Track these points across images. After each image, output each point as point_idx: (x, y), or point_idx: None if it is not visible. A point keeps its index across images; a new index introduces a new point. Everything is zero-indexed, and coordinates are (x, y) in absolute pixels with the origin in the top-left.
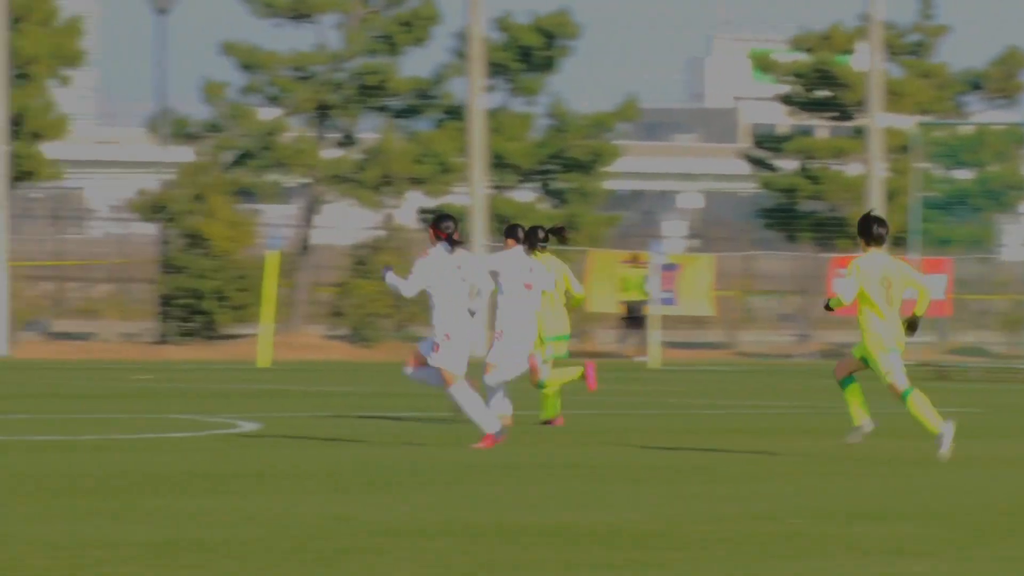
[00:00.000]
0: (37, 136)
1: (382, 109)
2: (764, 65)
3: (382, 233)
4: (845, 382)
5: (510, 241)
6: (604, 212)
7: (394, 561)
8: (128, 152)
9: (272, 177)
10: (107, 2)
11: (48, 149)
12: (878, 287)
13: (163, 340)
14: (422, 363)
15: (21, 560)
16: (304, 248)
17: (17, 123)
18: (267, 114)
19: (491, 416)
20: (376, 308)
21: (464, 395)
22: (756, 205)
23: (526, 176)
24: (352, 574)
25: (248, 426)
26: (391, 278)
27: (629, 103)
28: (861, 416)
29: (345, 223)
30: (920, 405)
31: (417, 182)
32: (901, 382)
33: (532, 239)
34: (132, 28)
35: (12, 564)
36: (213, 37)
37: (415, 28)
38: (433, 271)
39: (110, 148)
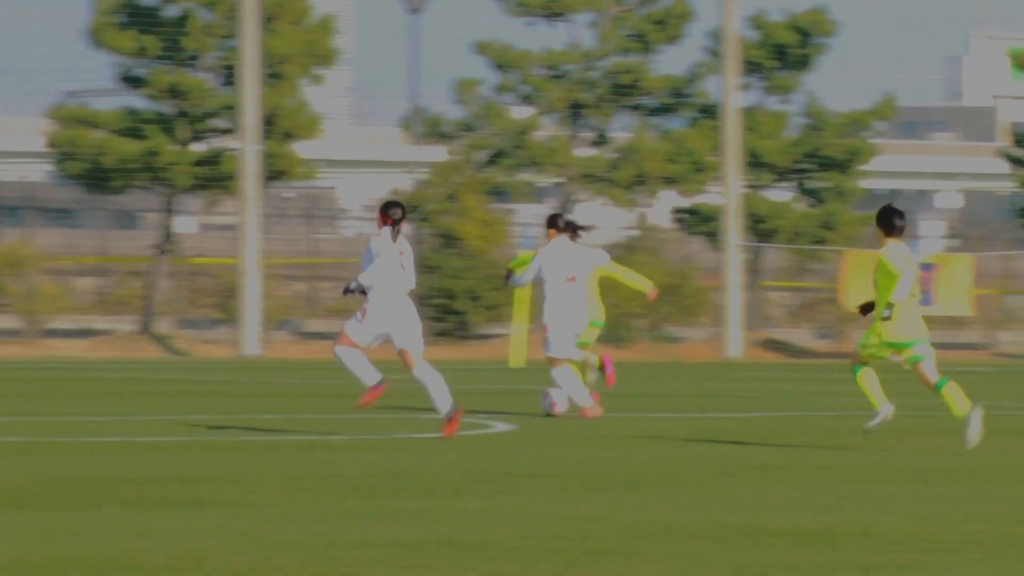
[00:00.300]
0: (290, 136)
1: (635, 108)
2: (1022, 64)
3: (635, 232)
4: (856, 368)
5: (552, 231)
6: (860, 211)
7: (646, 562)
8: (381, 151)
9: (525, 176)
10: (361, 1)
11: (301, 148)
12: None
13: None
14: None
15: (269, 560)
16: None
17: (270, 123)
18: (520, 113)
19: (369, 370)
20: (631, 308)
21: (345, 355)
22: (1015, 204)
23: (781, 175)
24: (603, 574)
25: (501, 426)
26: (354, 285)
27: (886, 101)
28: (878, 403)
29: (598, 222)
30: (954, 394)
31: (670, 181)
32: (932, 375)
33: (572, 228)
34: (386, 27)
35: (260, 565)
36: (466, 36)
37: (668, 26)
38: (382, 250)
39: (363, 147)
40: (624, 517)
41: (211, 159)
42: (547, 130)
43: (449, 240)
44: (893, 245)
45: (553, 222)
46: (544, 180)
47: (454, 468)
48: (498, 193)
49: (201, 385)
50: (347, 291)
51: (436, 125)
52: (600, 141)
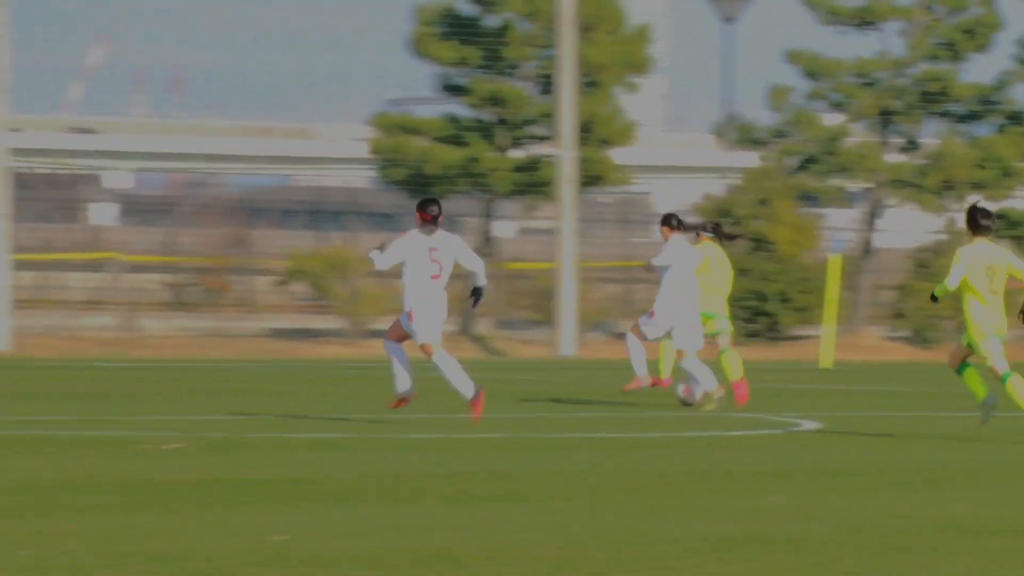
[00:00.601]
0: (605, 142)
1: (943, 114)
2: None
3: (943, 237)
4: (960, 369)
5: (665, 229)
6: None
7: (951, 558)
8: (694, 157)
9: (835, 181)
10: (676, 11)
11: (616, 154)
12: (983, 275)
13: None
14: (399, 337)
15: (582, 554)
16: (866, 251)
17: (586, 129)
18: (831, 120)
19: (468, 382)
20: (938, 310)
21: (444, 361)
22: None
23: None
24: (909, 570)
25: (809, 424)
26: (373, 254)
27: None
28: (984, 391)
29: (907, 227)
30: (1019, 388)
31: (978, 187)
32: (1001, 366)
33: (687, 227)
34: (700, 37)
35: (574, 558)
36: (778, 45)
37: (977, 35)
38: (408, 250)
39: (677, 153)
40: (928, 514)
41: (529, 165)
42: (857, 136)
43: (761, 244)
44: (974, 245)
45: (667, 220)
46: (854, 185)
47: (762, 465)
48: (809, 198)
49: (517, 384)
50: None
51: (748, 131)
52: (909, 147)
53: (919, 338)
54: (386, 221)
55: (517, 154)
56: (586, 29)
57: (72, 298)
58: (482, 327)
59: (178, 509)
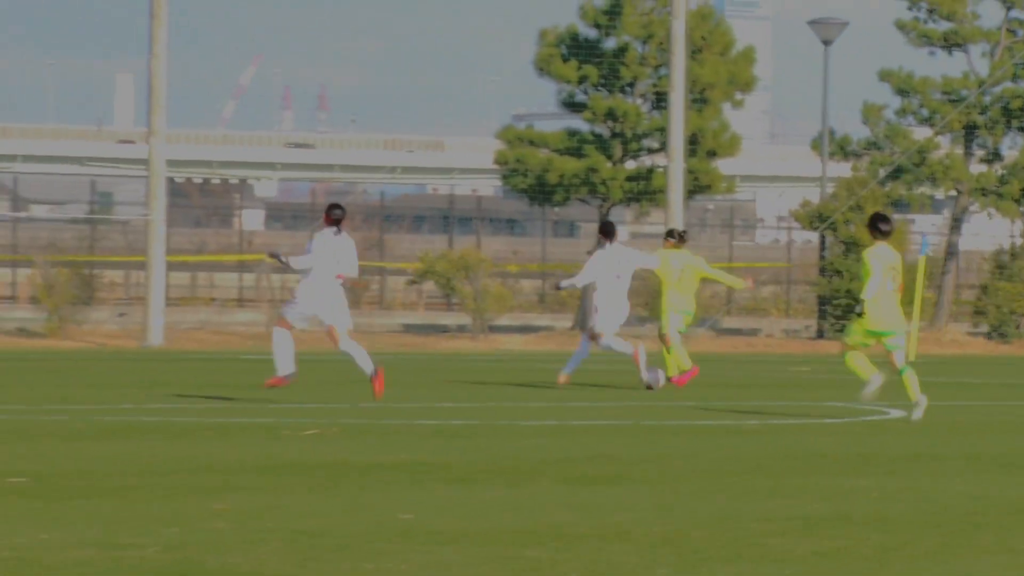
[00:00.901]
0: (712, 153)
1: (1023, 129)
2: None
3: (1020, 240)
4: (901, 371)
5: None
6: None
7: (1022, 536)
8: (794, 167)
9: (923, 190)
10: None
11: (722, 165)
12: (886, 275)
13: (821, 336)
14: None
15: (684, 532)
16: (950, 253)
17: (695, 142)
18: (919, 133)
19: (287, 361)
20: (1017, 307)
21: (278, 336)
22: None
23: None
24: (983, 546)
25: (895, 413)
26: (289, 258)
27: None
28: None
29: (987, 231)
30: (854, 360)
31: None
32: (899, 360)
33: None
34: (801, 57)
35: (676, 535)
36: (871, 65)
37: None
38: (319, 249)
39: (778, 164)
40: (1003, 495)
41: (642, 175)
42: (944, 148)
43: (852, 247)
44: (877, 247)
45: (670, 234)
46: (940, 193)
47: (850, 450)
48: (898, 205)
49: (625, 376)
50: (558, 287)
51: (844, 144)
52: (991, 158)
53: (997, 333)
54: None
55: (631, 165)
56: (696, 50)
57: (222, 296)
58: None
59: (314, 489)
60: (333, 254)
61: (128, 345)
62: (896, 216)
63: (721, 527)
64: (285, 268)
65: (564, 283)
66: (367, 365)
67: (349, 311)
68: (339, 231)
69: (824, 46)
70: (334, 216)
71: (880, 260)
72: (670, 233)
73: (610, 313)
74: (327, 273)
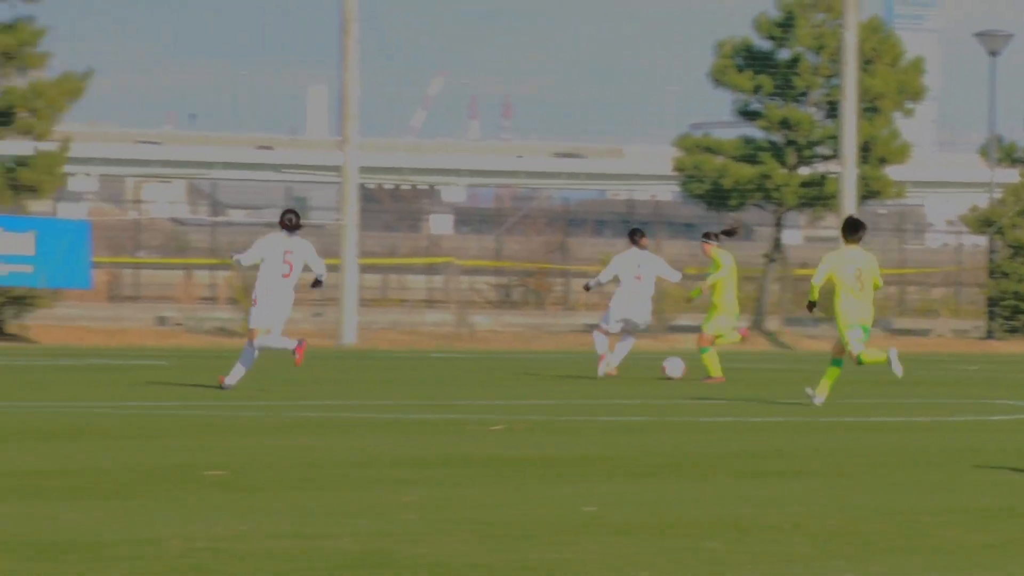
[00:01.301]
0: (883, 160)
1: None
2: None
3: None
4: (835, 362)
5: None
6: None
7: None
8: (963, 174)
9: None
10: (947, 46)
11: (892, 172)
12: (851, 275)
13: (990, 336)
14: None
15: (855, 524)
16: None
17: (866, 149)
18: None
19: (289, 341)
20: None
21: (265, 342)
22: None
23: None
24: None
25: None
26: (239, 256)
27: None
28: (824, 389)
29: None
30: (869, 354)
31: None
32: (856, 349)
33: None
34: (969, 68)
35: (848, 528)
36: None
37: None
38: (267, 250)
39: (947, 170)
40: None
41: (815, 181)
42: None
43: (1020, 250)
44: (840, 250)
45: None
46: None
47: (1020, 445)
48: None
49: (800, 374)
50: (587, 288)
51: (1011, 151)
52: None
53: None
54: (688, 230)
55: (804, 171)
56: (867, 61)
57: (412, 297)
58: (772, 324)
59: (501, 482)
60: (282, 254)
61: (324, 344)
62: None
63: (893, 520)
64: (236, 266)
65: (591, 283)
66: (287, 343)
67: (290, 310)
68: (291, 233)
69: (991, 57)
70: (286, 221)
71: (832, 262)
72: (714, 235)
73: (618, 311)
74: (275, 273)
